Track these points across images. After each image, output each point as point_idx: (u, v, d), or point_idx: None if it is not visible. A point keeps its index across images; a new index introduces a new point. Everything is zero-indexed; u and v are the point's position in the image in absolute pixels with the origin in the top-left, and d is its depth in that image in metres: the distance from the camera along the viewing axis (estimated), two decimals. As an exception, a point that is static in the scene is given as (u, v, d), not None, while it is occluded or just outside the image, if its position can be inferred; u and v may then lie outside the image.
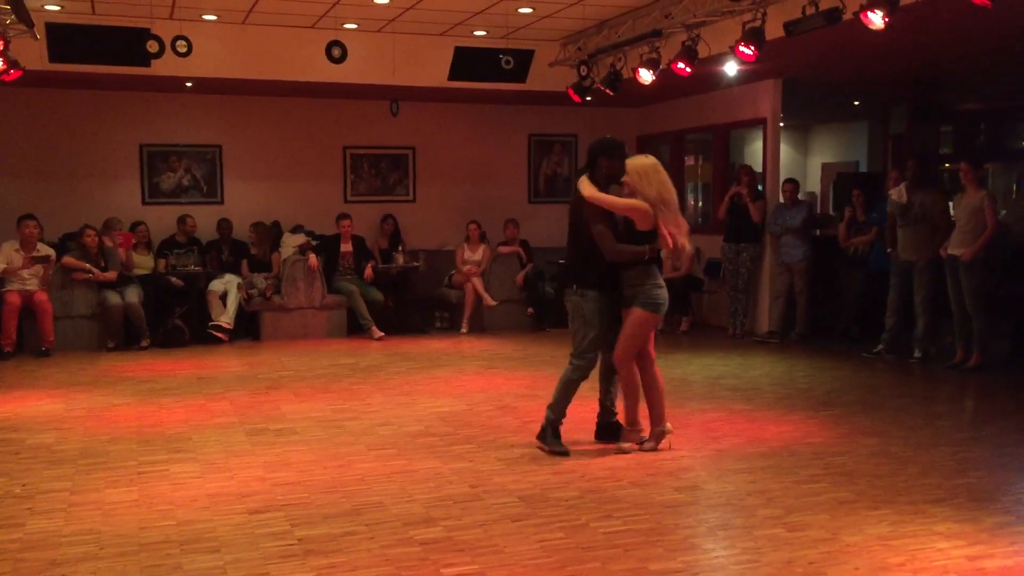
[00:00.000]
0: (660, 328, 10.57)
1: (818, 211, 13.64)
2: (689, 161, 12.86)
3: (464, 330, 11.01)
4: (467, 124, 12.51)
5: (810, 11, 7.08)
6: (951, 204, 8.84)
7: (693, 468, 5.28)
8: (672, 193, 5.47)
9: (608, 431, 5.82)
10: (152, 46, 9.00)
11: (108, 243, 10.00)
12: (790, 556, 3.92)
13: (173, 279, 10.24)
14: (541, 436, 5.65)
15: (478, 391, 7.52)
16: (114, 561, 3.89)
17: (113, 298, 9.70)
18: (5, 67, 8.06)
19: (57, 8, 9.06)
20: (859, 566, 3.81)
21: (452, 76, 10.65)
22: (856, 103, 13.32)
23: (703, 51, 8.43)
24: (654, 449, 5.54)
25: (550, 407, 5.63)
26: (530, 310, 11.22)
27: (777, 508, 4.54)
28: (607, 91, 9.77)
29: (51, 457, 5.57)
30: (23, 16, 7.36)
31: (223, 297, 10.23)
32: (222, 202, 11.59)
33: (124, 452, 5.66)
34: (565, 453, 5.48)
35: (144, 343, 9.79)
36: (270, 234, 11.06)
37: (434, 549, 4.01)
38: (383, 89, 10.85)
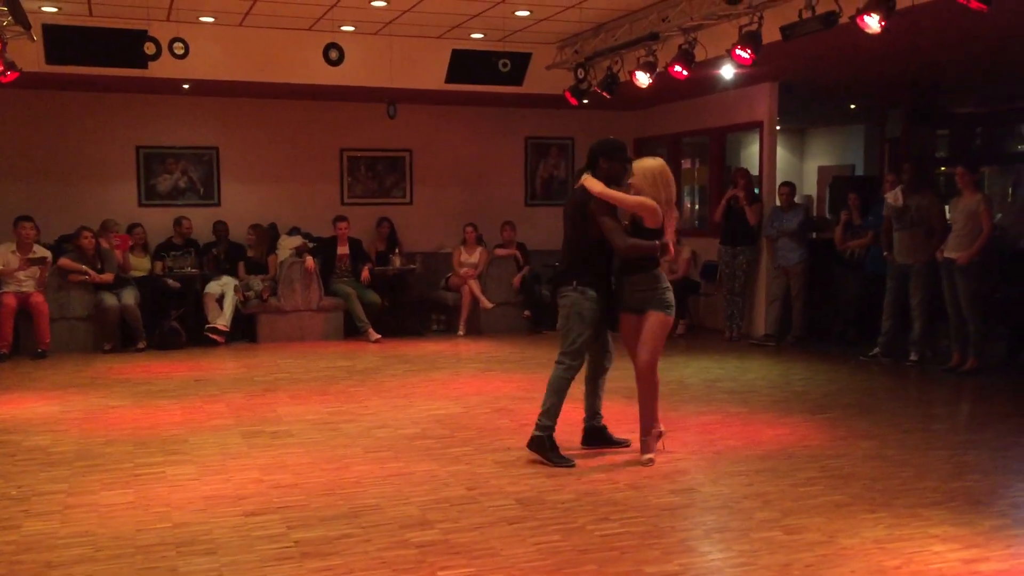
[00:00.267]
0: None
1: (814, 214, 13.65)
2: (686, 164, 12.87)
3: (461, 332, 11.01)
4: (464, 127, 12.52)
5: (806, 15, 7.10)
6: (947, 208, 8.86)
7: (689, 471, 5.28)
8: (670, 198, 5.46)
9: (594, 435, 5.75)
10: (149, 48, 8.99)
11: (105, 245, 9.99)
12: (786, 559, 3.92)
13: (170, 281, 10.24)
14: (539, 448, 5.45)
15: (475, 394, 7.52)
16: (110, 564, 3.89)
17: (109, 300, 9.69)
18: (2, 69, 8.06)
19: (54, 9, 9.06)
20: (855, 569, 3.81)
21: (449, 79, 10.66)
22: (852, 106, 13.35)
23: (700, 54, 8.45)
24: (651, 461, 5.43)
25: (545, 414, 5.46)
26: (527, 313, 11.23)
27: (774, 511, 4.55)
28: (604, 94, 9.79)
29: (47, 459, 5.56)
30: (20, 18, 7.36)
31: (220, 300, 10.22)
32: (219, 204, 11.58)
33: (120, 454, 5.65)
34: (571, 465, 5.36)
35: (140, 345, 9.78)
36: (267, 236, 11.06)
37: (430, 552, 4.00)
38: (380, 92, 10.85)
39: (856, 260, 9.84)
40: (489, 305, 11.05)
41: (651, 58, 8.89)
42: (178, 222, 10.78)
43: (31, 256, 9.41)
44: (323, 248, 10.97)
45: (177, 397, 7.40)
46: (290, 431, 6.25)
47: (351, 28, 10.01)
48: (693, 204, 13.16)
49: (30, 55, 8.81)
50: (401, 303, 11.26)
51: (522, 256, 11.49)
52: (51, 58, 9.25)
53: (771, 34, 7.51)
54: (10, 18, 7.29)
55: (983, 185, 9.99)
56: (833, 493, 4.83)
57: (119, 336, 9.83)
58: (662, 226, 5.38)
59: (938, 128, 13.00)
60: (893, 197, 8.76)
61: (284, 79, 10.35)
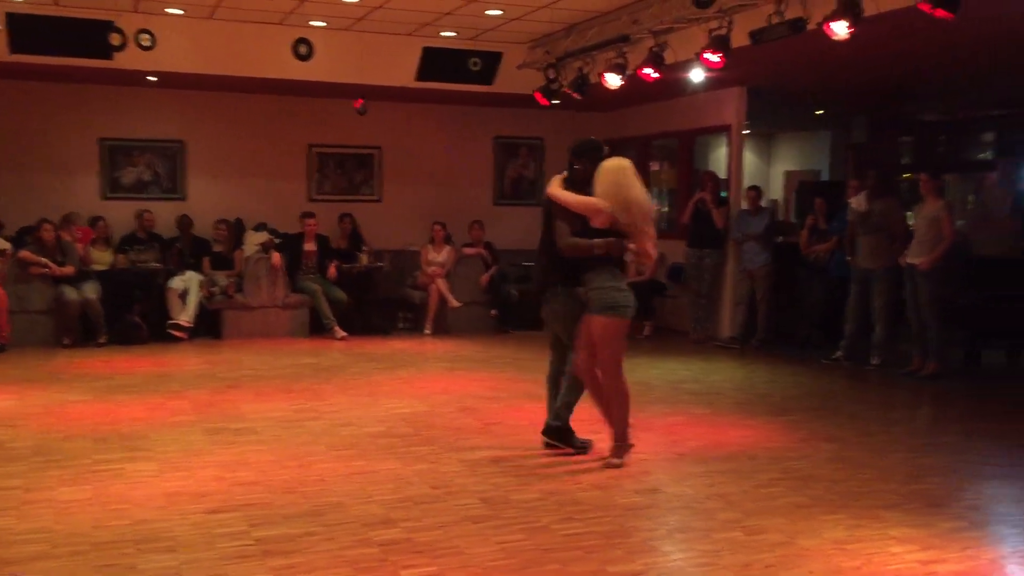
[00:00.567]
0: (623, 332, 10.76)
1: (780, 218, 13.78)
2: (654, 166, 12.93)
3: (427, 331, 10.98)
4: (434, 125, 12.49)
5: (775, 20, 7.17)
6: (910, 214, 8.98)
7: (653, 471, 5.30)
8: (634, 198, 5.34)
9: (554, 434, 5.72)
10: (115, 39, 8.88)
11: (66, 238, 9.85)
12: (747, 559, 3.95)
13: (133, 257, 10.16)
14: (563, 438, 5.57)
15: (440, 392, 7.50)
16: (67, 560, 3.83)
17: (70, 293, 9.55)
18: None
19: (19, -2, 8.93)
20: (814, 570, 3.85)
21: (420, 76, 10.63)
22: (819, 112, 13.49)
23: (670, 57, 8.50)
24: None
25: (567, 408, 5.57)
26: (494, 312, 11.22)
27: (736, 512, 4.58)
28: (574, 95, 9.82)
29: (4, 454, 5.46)
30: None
31: (183, 295, 10.11)
32: (184, 198, 11.46)
33: (79, 450, 5.57)
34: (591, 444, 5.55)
35: (101, 340, 9.65)
36: (233, 231, 10.96)
37: (393, 550, 3.99)
38: (350, 88, 10.79)
39: (821, 264, 9.94)
40: (456, 304, 11.03)
41: (621, 60, 8.92)
42: (139, 215, 10.66)
43: (-10, 248, 9.27)
44: (290, 244, 10.89)
45: (138, 393, 7.31)
46: (253, 428, 6.19)
47: (321, 23, 9.95)
48: (661, 206, 13.23)
49: (-7, 44, 8.68)
50: (368, 301, 11.19)
51: (490, 255, 11.47)
52: (15, 48, 9.10)
53: (740, 39, 7.57)
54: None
55: (945, 192, 10.14)
56: (794, 494, 4.88)
57: (80, 330, 9.69)
58: (615, 225, 5.29)
59: (902, 135, 13.20)
60: (857, 202, 8.87)
61: (253, 73, 10.25)
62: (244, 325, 10.42)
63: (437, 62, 10.55)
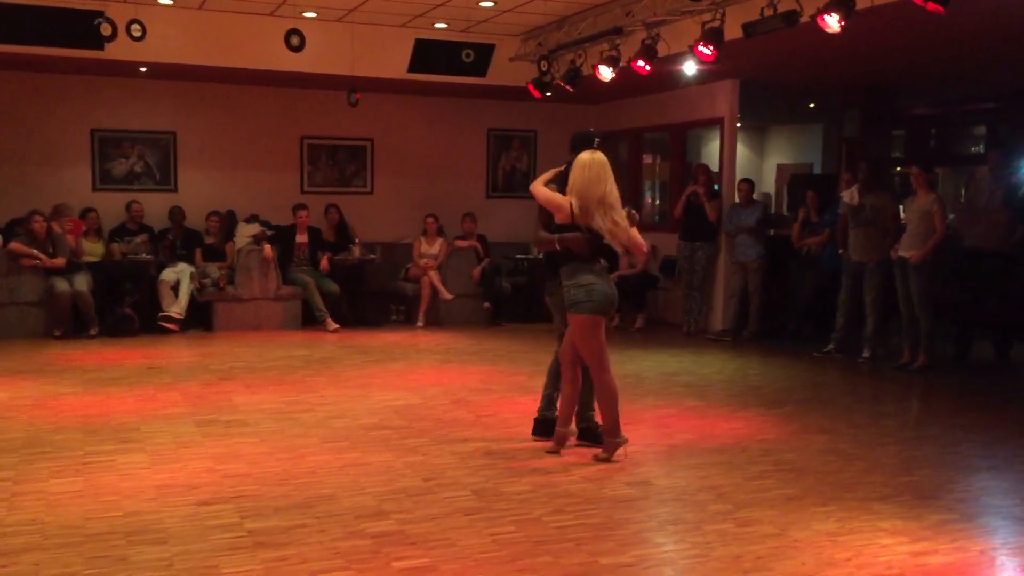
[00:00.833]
0: (615, 325, 10.81)
1: (772, 211, 13.78)
2: (647, 159, 12.94)
3: (420, 324, 10.98)
4: (426, 117, 12.46)
5: (768, 13, 7.16)
6: (902, 207, 9.00)
7: (645, 463, 5.31)
8: (595, 193, 5.27)
9: (547, 427, 5.73)
10: (105, 29, 8.80)
11: (57, 229, 9.80)
12: (739, 551, 3.96)
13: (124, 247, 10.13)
14: (593, 438, 5.56)
15: (433, 385, 7.50)
16: (58, 552, 3.82)
17: (61, 285, 9.51)
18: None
19: (7, -13, 8.87)
20: (805, 561, 3.87)
21: (412, 68, 10.60)
22: (812, 106, 13.49)
23: (663, 50, 8.49)
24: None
25: (585, 407, 5.58)
26: (486, 304, 11.21)
27: (727, 504, 4.59)
28: (567, 87, 9.80)
29: (-6, 446, 5.45)
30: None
31: (175, 287, 10.09)
32: (176, 190, 11.42)
33: (70, 442, 5.56)
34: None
35: (93, 331, 9.62)
36: (225, 223, 10.93)
37: (386, 542, 3.99)
38: (342, 79, 10.76)
39: (812, 257, 9.97)
40: (449, 296, 11.03)
41: (614, 52, 8.91)
42: (129, 206, 10.62)
43: (-20, 239, 9.22)
44: (282, 236, 10.86)
45: (129, 385, 7.29)
46: (245, 420, 6.18)
47: (313, 14, 9.91)
48: (654, 199, 13.23)
49: (-19, 33, 8.62)
50: (360, 293, 11.18)
51: (482, 248, 11.47)
52: (2, 37, 9.04)
53: (733, 31, 7.57)
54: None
55: (937, 185, 10.16)
56: (786, 486, 4.89)
57: (70, 322, 9.66)
58: (575, 222, 5.27)
59: (894, 129, 13.19)
60: (849, 196, 8.88)
61: (244, 64, 10.22)
62: (236, 317, 10.40)
63: (430, 54, 10.52)
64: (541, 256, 5.66)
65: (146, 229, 10.66)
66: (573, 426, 5.59)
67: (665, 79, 10.23)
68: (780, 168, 15.88)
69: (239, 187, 11.62)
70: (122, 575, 3.61)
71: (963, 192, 13.36)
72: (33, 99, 10.81)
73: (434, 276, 11.05)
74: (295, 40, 9.88)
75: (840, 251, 9.12)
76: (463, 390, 7.29)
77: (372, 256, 11.30)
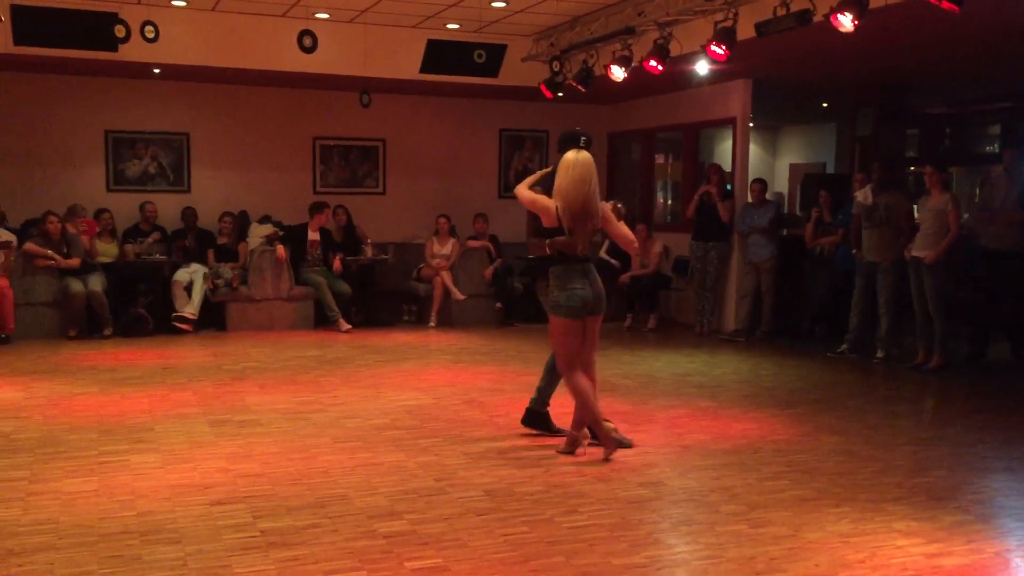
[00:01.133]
0: (627, 325, 10.80)
1: (785, 211, 13.75)
2: (659, 159, 12.91)
3: (432, 324, 10.98)
4: (438, 117, 12.48)
5: (781, 12, 7.14)
6: (916, 207, 8.95)
7: (658, 464, 5.30)
8: (580, 194, 5.24)
9: (533, 418, 5.80)
10: (119, 31, 8.85)
11: (71, 230, 9.86)
12: (752, 552, 3.95)
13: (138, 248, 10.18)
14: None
15: (445, 385, 7.51)
16: (72, 551, 3.84)
17: (76, 285, 9.57)
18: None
19: (22, -10, 8.91)
20: (819, 563, 3.85)
21: (424, 69, 10.61)
22: (824, 105, 13.44)
23: (675, 50, 8.47)
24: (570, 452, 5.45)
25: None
26: (498, 305, 11.21)
27: (740, 505, 4.58)
28: (579, 87, 9.80)
29: (9, 446, 5.48)
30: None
31: (188, 288, 10.13)
32: (189, 191, 11.47)
33: (84, 441, 5.59)
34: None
35: (107, 332, 9.67)
36: (237, 224, 10.97)
37: (398, 542, 3.99)
38: (354, 80, 10.78)
39: (826, 257, 9.93)
40: (461, 297, 11.04)
41: (626, 52, 8.90)
42: (142, 207, 10.67)
43: (-5, 240, 9.28)
44: (292, 236, 10.89)
45: (143, 385, 7.32)
46: (258, 420, 6.20)
47: (325, 15, 9.93)
48: (666, 199, 13.21)
49: (-3, 36, 8.68)
50: (372, 294, 11.20)
51: (494, 248, 11.47)
52: (19, 39, 9.09)
53: (746, 31, 7.55)
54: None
55: (951, 185, 10.11)
56: (799, 487, 4.87)
57: (85, 322, 9.71)
58: (561, 224, 5.25)
59: (908, 128, 13.13)
60: (863, 195, 8.85)
61: (256, 66, 10.25)
62: (249, 317, 10.44)
63: (442, 54, 10.54)
64: (532, 258, 5.70)
65: (159, 229, 10.71)
66: (586, 429, 5.58)
67: (677, 79, 10.21)
68: (793, 168, 15.84)
69: (252, 188, 11.67)
70: (136, 575, 3.63)
71: (978, 192, 13.29)
72: (47, 101, 10.88)
73: (446, 276, 11.05)
74: (307, 41, 9.90)
75: (853, 251, 9.08)
76: (475, 390, 7.30)
77: (384, 256, 11.32)
